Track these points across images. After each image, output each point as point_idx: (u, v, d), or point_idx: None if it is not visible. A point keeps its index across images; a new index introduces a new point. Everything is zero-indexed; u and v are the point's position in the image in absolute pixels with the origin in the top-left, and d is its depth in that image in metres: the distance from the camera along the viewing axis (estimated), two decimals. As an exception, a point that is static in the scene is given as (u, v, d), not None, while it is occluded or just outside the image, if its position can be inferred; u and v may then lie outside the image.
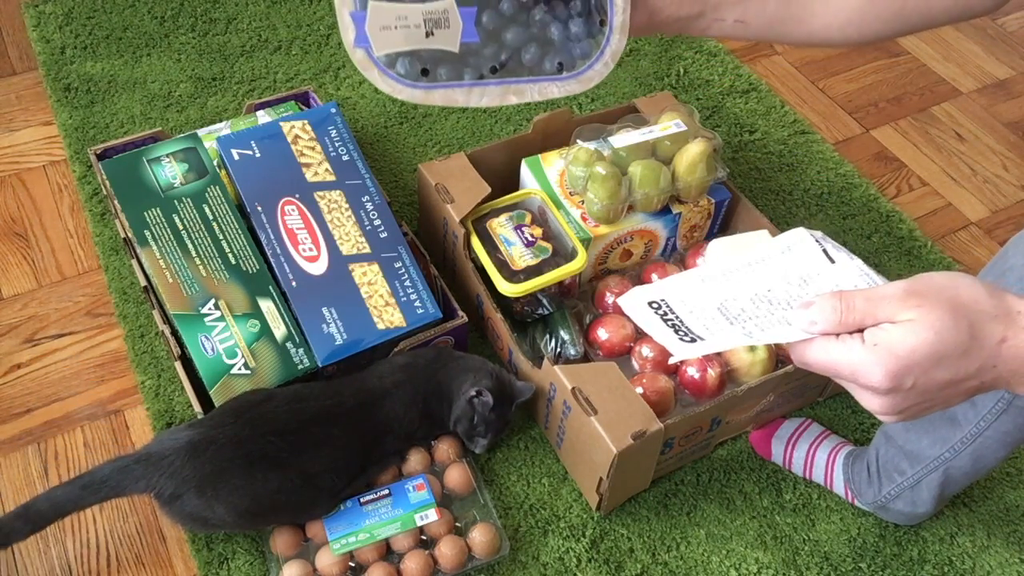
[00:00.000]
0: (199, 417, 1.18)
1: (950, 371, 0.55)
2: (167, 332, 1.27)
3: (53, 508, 1.08)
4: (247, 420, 1.12)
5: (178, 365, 1.24)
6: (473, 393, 1.21)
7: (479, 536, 1.18)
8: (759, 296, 0.62)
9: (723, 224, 1.53)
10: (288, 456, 1.11)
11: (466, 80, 0.75)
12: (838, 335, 0.56)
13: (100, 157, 1.44)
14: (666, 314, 0.66)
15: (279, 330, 1.25)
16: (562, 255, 1.33)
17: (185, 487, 1.07)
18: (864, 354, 0.55)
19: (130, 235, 1.30)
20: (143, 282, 1.34)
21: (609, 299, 1.40)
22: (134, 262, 1.38)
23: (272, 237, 1.31)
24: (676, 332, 0.65)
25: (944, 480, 1.11)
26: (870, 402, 0.58)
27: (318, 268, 1.29)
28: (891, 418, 0.58)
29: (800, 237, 0.62)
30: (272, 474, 1.10)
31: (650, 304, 0.66)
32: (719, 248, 1.39)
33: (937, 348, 0.54)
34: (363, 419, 1.19)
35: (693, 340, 0.64)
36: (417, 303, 1.29)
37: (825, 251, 0.63)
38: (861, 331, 0.56)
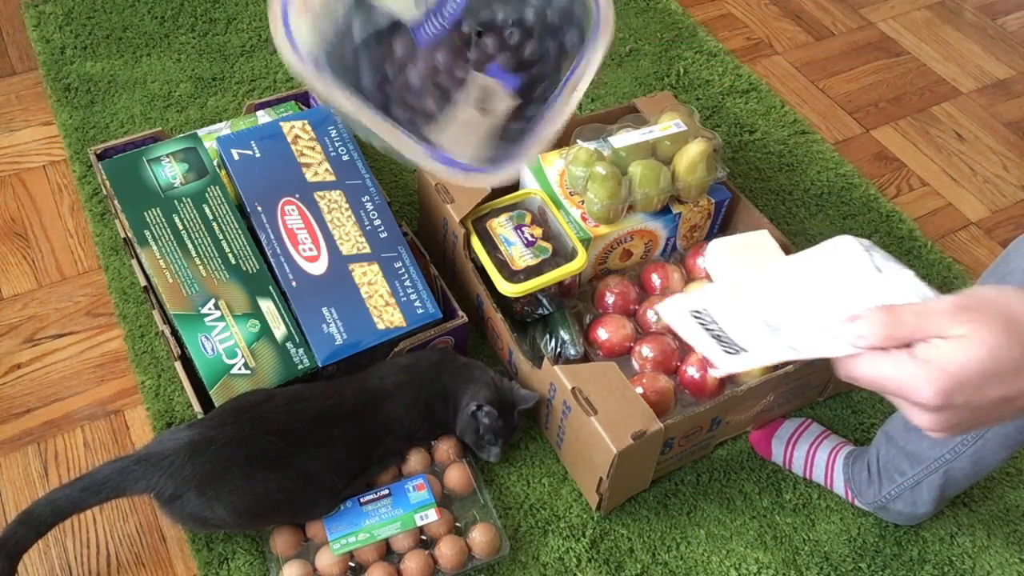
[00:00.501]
0: (199, 417, 1.18)
1: (1002, 388, 0.53)
2: (167, 332, 1.27)
3: (54, 512, 1.08)
4: (247, 420, 1.12)
5: (178, 365, 1.24)
6: (474, 407, 1.21)
7: (479, 536, 1.18)
8: (804, 307, 0.60)
9: (723, 224, 1.53)
10: (288, 456, 1.11)
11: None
12: (886, 350, 0.54)
13: (100, 157, 1.44)
14: (709, 324, 0.64)
15: (279, 330, 1.25)
16: (562, 255, 1.33)
17: (185, 487, 1.07)
18: (913, 370, 0.53)
19: (130, 235, 1.30)
20: (143, 282, 1.34)
21: (609, 299, 1.40)
22: (134, 262, 1.38)
23: (272, 237, 1.31)
24: (720, 343, 0.63)
25: (945, 481, 1.11)
26: (919, 418, 0.56)
27: (318, 268, 1.29)
28: (940, 434, 0.56)
29: (846, 245, 0.60)
30: (272, 474, 1.10)
31: (693, 314, 0.64)
32: (719, 248, 1.38)
33: (989, 365, 0.52)
34: (364, 420, 1.19)
35: (736, 352, 0.62)
36: (417, 303, 1.29)
37: (872, 260, 0.60)
38: (910, 346, 0.54)
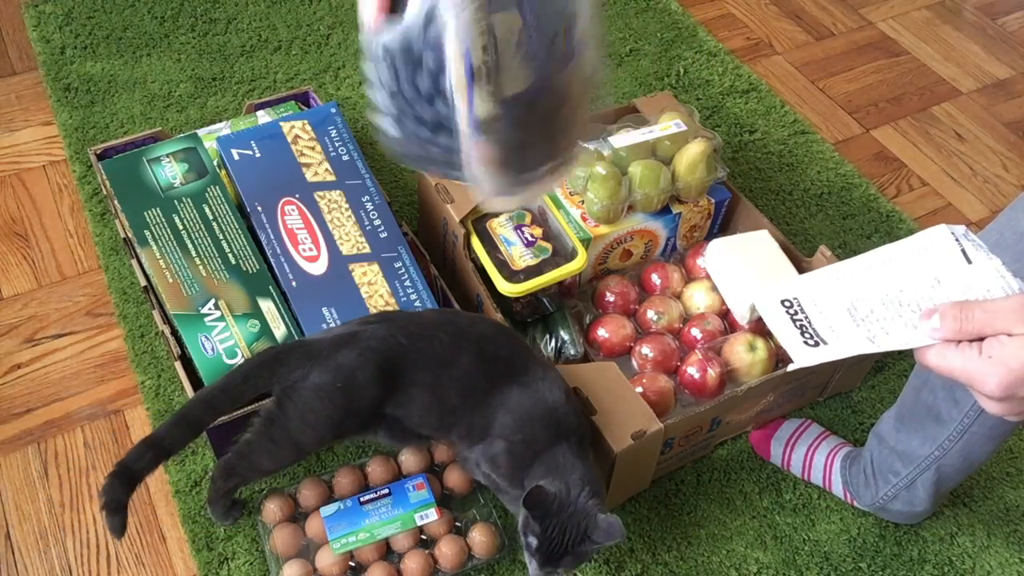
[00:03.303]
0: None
1: None
2: (167, 332, 1.27)
3: (208, 410, 1.06)
4: (391, 320, 1.11)
5: (178, 365, 1.24)
6: (525, 516, 1.04)
7: (479, 536, 1.18)
8: (890, 297, 0.61)
9: (723, 224, 1.53)
10: (417, 365, 1.07)
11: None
12: (958, 343, 0.58)
13: (100, 157, 1.44)
14: (796, 313, 0.65)
15: (279, 330, 1.25)
16: (562, 255, 1.33)
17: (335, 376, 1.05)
18: (979, 364, 0.57)
19: (130, 235, 1.30)
20: (143, 282, 1.34)
21: (609, 299, 1.40)
22: (134, 262, 1.38)
23: (272, 237, 1.31)
24: (802, 334, 0.64)
25: (938, 478, 1.12)
26: (987, 405, 0.60)
27: (318, 268, 1.29)
28: (1013, 418, 0.61)
29: (940, 235, 0.61)
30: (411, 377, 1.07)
31: (783, 302, 0.66)
32: (719, 248, 1.39)
33: None
34: (484, 384, 1.09)
35: (816, 344, 0.64)
36: (417, 303, 1.29)
37: (964, 251, 0.62)
38: (982, 339, 0.58)
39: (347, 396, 1.06)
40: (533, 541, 1.02)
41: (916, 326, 0.58)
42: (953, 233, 0.61)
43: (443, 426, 1.13)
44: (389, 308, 1.27)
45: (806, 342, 0.64)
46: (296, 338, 1.25)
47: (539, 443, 1.08)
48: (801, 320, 0.65)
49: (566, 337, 1.34)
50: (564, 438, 1.08)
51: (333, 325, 1.25)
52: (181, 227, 1.30)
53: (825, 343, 0.64)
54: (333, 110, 1.44)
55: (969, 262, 0.61)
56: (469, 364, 1.09)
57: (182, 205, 1.32)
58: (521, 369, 1.11)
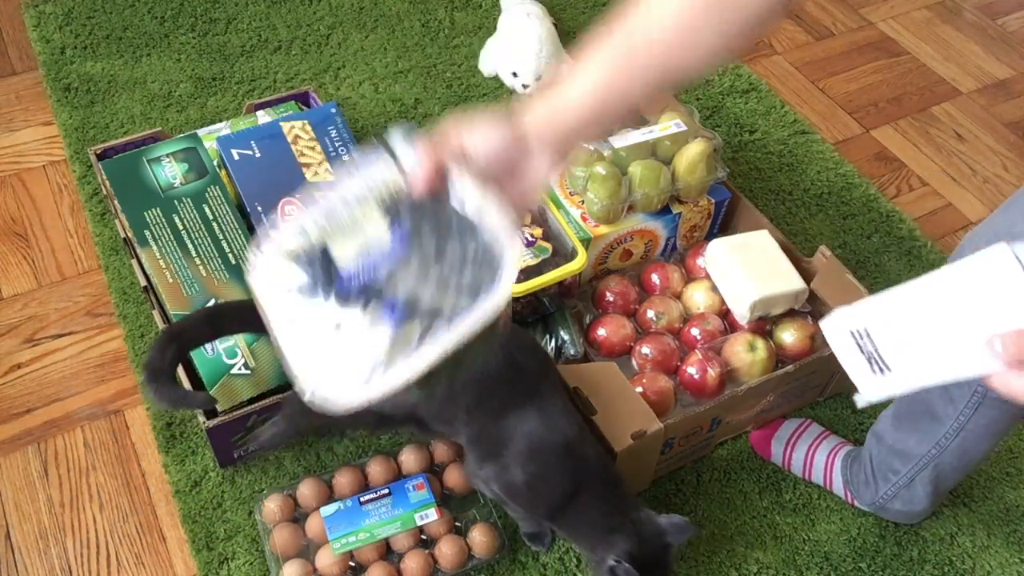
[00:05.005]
0: (203, 420, 1.18)
1: None
2: (167, 332, 1.27)
3: (238, 316, 1.02)
4: None
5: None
6: (612, 562, 1.03)
7: (479, 536, 1.18)
8: (954, 323, 0.61)
9: (723, 224, 1.53)
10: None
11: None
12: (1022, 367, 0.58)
13: (100, 157, 1.44)
14: (863, 340, 0.65)
15: (279, 330, 1.25)
16: (562, 255, 1.33)
17: None
18: None
19: (130, 235, 1.30)
20: (143, 282, 1.34)
21: (609, 299, 1.40)
22: (134, 262, 1.38)
23: (272, 237, 1.30)
24: (870, 363, 0.64)
25: (936, 476, 1.13)
26: None
27: (318, 268, 1.29)
28: None
29: (1002, 256, 0.60)
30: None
31: (851, 332, 0.65)
32: (719, 248, 1.39)
33: None
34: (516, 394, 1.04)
35: (883, 374, 0.63)
36: (417, 303, 1.29)
37: None
38: None
39: None
40: None
41: (978, 354, 0.58)
42: (1015, 252, 0.60)
43: (453, 426, 1.10)
44: (389, 308, 1.27)
45: (872, 371, 0.64)
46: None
47: (558, 482, 1.06)
48: (867, 350, 0.64)
49: (566, 337, 1.34)
50: (588, 479, 1.06)
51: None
52: (181, 227, 1.30)
53: (891, 371, 0.63)
54: (333, 110, 1.44)
55: None
56: (495, 369, 1.04)
57: (182, 205, 1.32)
58: (545, 392, 1.07)
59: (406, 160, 0.70)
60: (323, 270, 0.73)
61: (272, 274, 0.74)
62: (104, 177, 1.37)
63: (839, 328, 0.65)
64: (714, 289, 1.40)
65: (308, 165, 1.37)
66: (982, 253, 0.60)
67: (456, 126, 0.70)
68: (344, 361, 0.70)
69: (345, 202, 0.73)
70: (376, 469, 1.24)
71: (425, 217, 0.72)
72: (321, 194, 0.73)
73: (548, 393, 1.07)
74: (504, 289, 0.67)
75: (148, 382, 0.90)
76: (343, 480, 1.22)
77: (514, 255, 0.67)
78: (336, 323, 0.71)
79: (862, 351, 0.64)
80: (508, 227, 0.68)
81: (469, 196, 0.69)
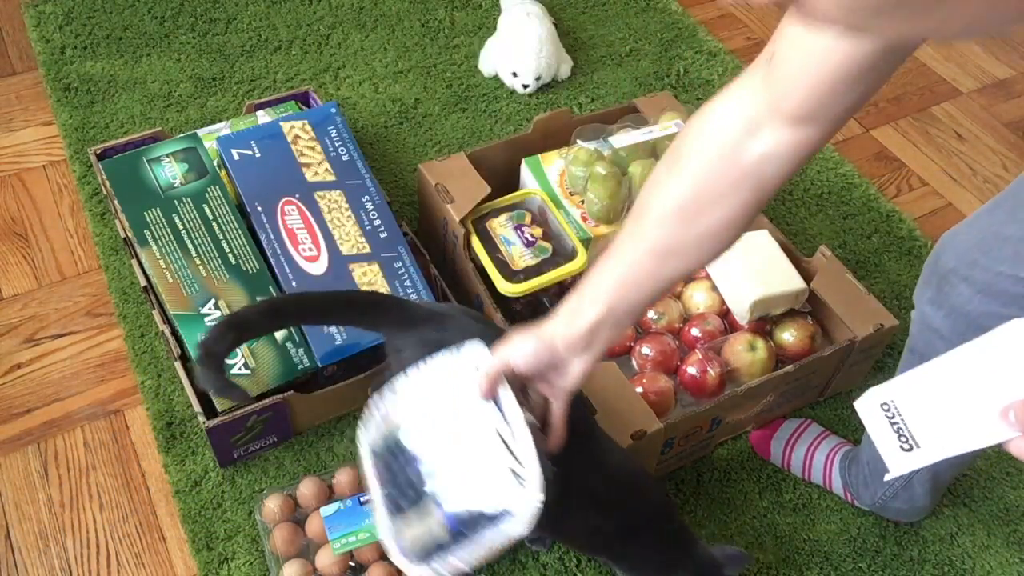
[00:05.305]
0: (203, 418, 1.18)
1: None
2: (167, 332, 1.27)
3: (299, 308, 1.02)
4: (478, 319, 1.06)
5: (178, 365, 1.24)
6: None
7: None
8: (978, 394, 0.64)
9: (723, 224, 1.52)
10: None
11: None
12: None
13: (100, 157, 1.44)
14: (893, 417, 0.68)
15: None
16: (562, 255, 1.33)
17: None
18: None
19: (130, 235, 1.30)
20: (143, 282, 1.34)
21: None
22: (134, 262, 1.38)
23: (272, 237, 1.31)
24: (899, 437, 0.67)
25: (933, 475, 1.13)
26: None
27: (318, 268, 1.29)
28: None
29: (1017, 330, 0.64)
30: None
31: (882, 406, 0.68)
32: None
33: None
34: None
35: (911, 448, 0.67)
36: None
37: None
38: None
39: None
40: None
41: (997, 422, 0.62)
42: None
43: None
44: (389, 308, 1.27)
45: (902, 447, 0.67)
46: (298, 339, 1.25)
47: (621, 525, 1.03)
48: (897, 424, 0.68)
49: (566, 337, 1.34)
50: (647, 517, 1.05)
51: (333, 324, 1.25)
52: (181, 227, 1.30)
53: (919, 447, 0.67)
54: (333, 110, 1.44)
55: None
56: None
57: (182, 205, 1.32)
58: (598, 435, 1.04)
59: (479, 366, 0.85)
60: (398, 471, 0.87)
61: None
62: (104, 177, 1.37)
63: (871, 404, 0.69)
64: (714, 289, 1.40)
65: (308, 165, 1.37)
66: (1001, 328, 0.64)
67: (500, 344, 0.85)
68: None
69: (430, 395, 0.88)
70: (376, 469, 1.24)
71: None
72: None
73: (600, 436, 1.04)
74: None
75: (201, 363, 0.91)
76: (343, 480, 1.22)
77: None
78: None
79: (892, 426, 0.68)
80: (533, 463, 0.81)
81: (509, 409, 0.83)
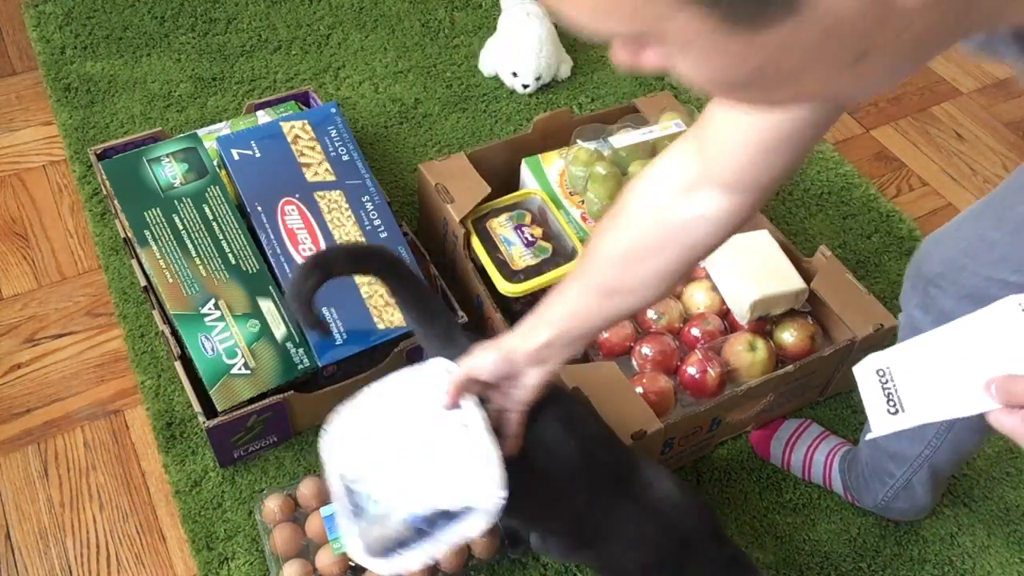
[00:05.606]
0: (203, 419, 1.18)
1: None
2: (167, 332, 1.27)
3: (378, 264, 1.02)
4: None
5: (178, 365, 1.24)
6: None
7: (479, 536, 1.18)
8: (966, 366, 0.67)
9: (723, 224, 1.53)
10: None
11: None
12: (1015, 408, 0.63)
13: (100, 157, 1.44)
14: (887, 382, 0.71)
15: (279, 330, 1.25)
16: (562, 255, 1.33)
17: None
18: None
19: (130, 235, 1.30)
20: (143, 282, 1.34)
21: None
22: (134, 262, 1.38)
23: (272, 237, 1.31)
24: (887, 401, 0.70)
25: (932, 474, 1.13)
26: None
27: (318, 268, 1.29)
28: None
29: (1008, 306, 0.66)
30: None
31: (877, 371, 0.71)
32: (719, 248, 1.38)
33: None
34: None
35: (896, 412, 0.69)
36: (417, 303, 1.29)
37: None
38: None
39: None
40: None
41: (979, 395, 0.64)
42: (1020, 304, 0.66)
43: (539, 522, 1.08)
44: (389, 308, 1.27)
45: (888, 410, 0.70)
46: (298, 338, 1.25)
47: (671, 564, 1.01)
48: (888, 388, 0.71)
49: (566, 337, 1.34)
50: (696, 551, 1.01)
51: (334, 326, 1.25)
52: (181, 227, 1.30)
53: (904, 411, 0.69)
54: (333, 110, 1.44)
55: None
56: (574, 464, 0.99)
57: (182, 205, 1.32)
58: (627, 472, 1.02)
59: (444, 379, 0.91)
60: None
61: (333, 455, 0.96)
62: (104, 177, 1.37)
63: (868, 369, 0.72)
64: (714, 289, 1.40)
65: (308, 165, 1.37)
66: (997, 304, 0.66)
67: (464, 358, 0.91)
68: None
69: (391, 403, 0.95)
70: (376, 469, 1.24)
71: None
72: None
73: (631, 468, 1.02)
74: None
75: (292, 299, 0.95)
76: (343, 480, 1.22)
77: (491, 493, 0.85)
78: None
79: (883, 390, 0.71)
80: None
81: (473, 415, 0.90)
